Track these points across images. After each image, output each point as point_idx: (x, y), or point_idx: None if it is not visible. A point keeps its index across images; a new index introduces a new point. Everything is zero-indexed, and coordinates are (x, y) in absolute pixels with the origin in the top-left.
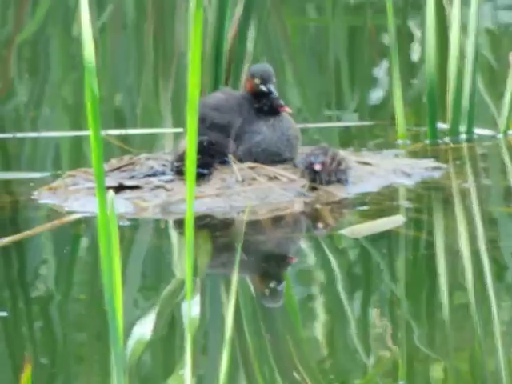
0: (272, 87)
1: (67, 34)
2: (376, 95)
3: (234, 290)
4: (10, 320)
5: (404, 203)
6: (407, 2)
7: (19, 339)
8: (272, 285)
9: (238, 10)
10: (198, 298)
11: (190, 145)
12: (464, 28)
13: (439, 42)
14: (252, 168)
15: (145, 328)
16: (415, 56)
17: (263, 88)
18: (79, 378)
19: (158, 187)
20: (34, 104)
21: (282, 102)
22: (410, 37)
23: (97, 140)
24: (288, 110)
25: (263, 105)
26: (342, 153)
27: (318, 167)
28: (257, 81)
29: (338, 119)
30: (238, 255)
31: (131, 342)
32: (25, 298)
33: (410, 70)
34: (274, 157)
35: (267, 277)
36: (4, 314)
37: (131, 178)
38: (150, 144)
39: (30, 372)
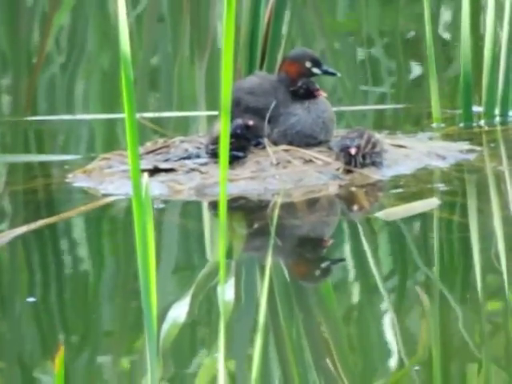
0: (330, 68)
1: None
2: (411, 77)
3: (267, 273)
4: (44, 302)
5: (438, 186)
6: None
7: (54, 321)
8: (308, 267)
9: None
10: (232, 281)
11: (223, 128)
12: (499, 11)
13: (473, 26)
14: (287, 151)
15: (179, 311)
16: (448, 38)
17: (316, 71)
18: (112, 360)
19: (192, 170)
20: (67, 83)
21: (317, 86)
22: (443, 21)
23: (131, 123)
24: (324, 93)
25: (299, 88)
26: (377, 135)
27: (353, 151)
28: (308, 64)
29: (373, 101)
30: (272, 238)
31: (165, 325)
32: (60, 279)
33: (444, 53)
34: (308, 139)
35: (302, 260)
36: (34, 299)
37: (166, 160)
38: (184, 127)
39: (63, 355)
